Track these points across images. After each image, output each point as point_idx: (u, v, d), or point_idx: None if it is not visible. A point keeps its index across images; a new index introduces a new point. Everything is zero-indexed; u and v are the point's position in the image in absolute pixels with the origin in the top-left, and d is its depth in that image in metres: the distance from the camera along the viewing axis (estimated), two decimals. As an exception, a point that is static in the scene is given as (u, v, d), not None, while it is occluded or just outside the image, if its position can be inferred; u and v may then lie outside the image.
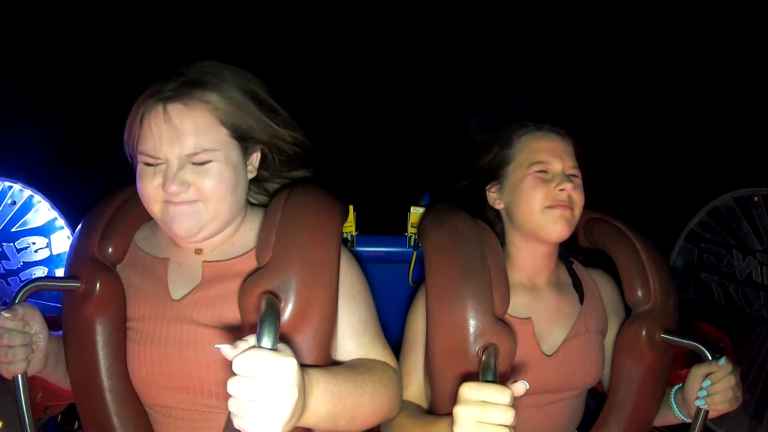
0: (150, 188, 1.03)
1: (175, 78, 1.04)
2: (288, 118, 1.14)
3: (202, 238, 1.07)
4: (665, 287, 1.27)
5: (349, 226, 1.74)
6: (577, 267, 1.38)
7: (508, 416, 0.83)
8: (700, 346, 1.16)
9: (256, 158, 1.12)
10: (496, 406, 0.83)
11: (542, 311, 1.27)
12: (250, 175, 1.12)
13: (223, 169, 1.03)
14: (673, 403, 1.25)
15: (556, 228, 1.20)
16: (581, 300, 1.31)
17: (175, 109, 1.01)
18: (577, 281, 1.34)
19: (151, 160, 1.02)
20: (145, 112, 1.02)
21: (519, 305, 1.23)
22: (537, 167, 1.23)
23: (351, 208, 1.70)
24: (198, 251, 1.11)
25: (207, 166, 1.02)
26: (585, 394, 1.32)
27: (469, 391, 0.86)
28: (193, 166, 1.02)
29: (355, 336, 1.09)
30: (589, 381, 1.28)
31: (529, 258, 1.28)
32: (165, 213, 1.03)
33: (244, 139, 1.07)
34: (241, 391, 0.71)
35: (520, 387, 0.86)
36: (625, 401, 1.25)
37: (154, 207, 1.04)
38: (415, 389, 1.21)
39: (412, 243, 1.74)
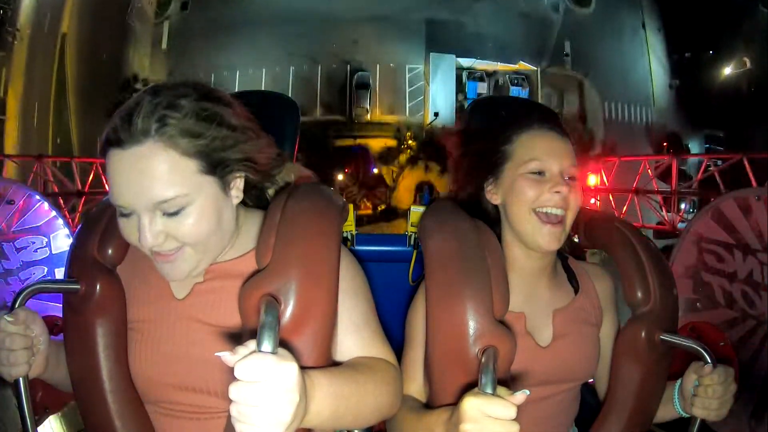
0: (132, 239, 0.99)
1: (127, 119, 0.93)
2: (257, 130, 1.06)
3: (198, 272, 1.06)
4: (665, 288, 1.27)
5: (349, 226, 1.74)
6: (572, 261, 1.38)
7: (512, 431, 0.85)
8: (698, 348, 1.16)
9: (240, 182, 1.05)
10: (502, 422, 0.85)
11: (537, 304, 1.28)
12: (236, 200, 1.06)
13: (202, 212, 0.97)
14: (676, 396, 1.25)
15: (543, 241, 1.20)
16: (576, 293, 1.32)
17: (135, 155, 0.92)
18: (571, 275, 1.34)
19: (121, 209, 0.97)
20: (108, 159, 0.95)
21: (513, 299, 1.22)
22: (533, 165, 1.22)
23: (351, 207, 1.70)
24: None
25: (182, 213, 0.96)
26: (579, 388, 1.33)
27: (472, 407, 0.87)
28: (166, 217, 0.96)
29: (356, 332, 1.09)
30: (584, 372, 1.29)
31: (525, 258, 1.28)
32: (155, 263, 1.01)
33: (218, 168, 0.99)
34: (243, 396, 0.72)
35: (520, 397, 0.88)
36: (624, 402, 1.26)
37: (145, 252, 1.01)
38: (416, 386, 1.22)
39: (412, 242, 1.74)
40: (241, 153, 1.01)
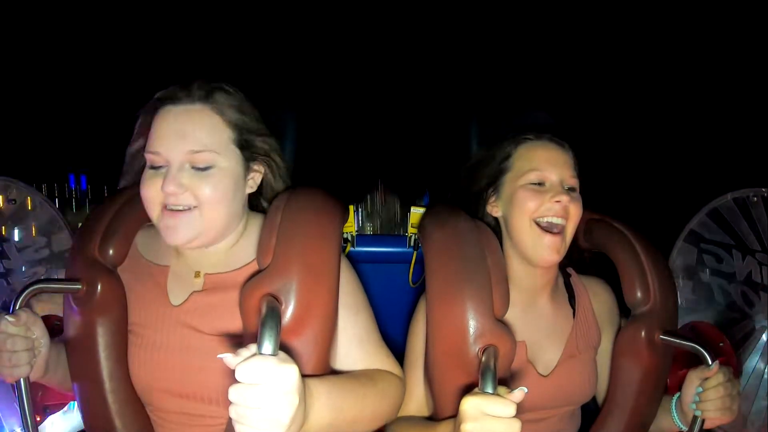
0: (150, 191, 1.04)
1: (185, 85, 1.09)
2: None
3: (196, 246, 1.08)
4: (664, 288, 1.27)
5: (349, 226, 1.74)
6: (574, 278, 1.37)
7: (514, 428, 0.85)
8: (698, 348, 1.16)
9: (258, 175, 1.14)
10: (502, 420, 0.85)
11: (537, 328, 1.27)
12: (249, 190, 1.14)
13: (223, 177, 1.05)
14: (674, 410, 1.24)
15: (545, 252, 1.20)
16: (574, 315, 1.31)
17: (186, 111, 1.05)
18: (571, 295, 1.34)
19: (155, 159, 1.04)
20: (156, 114, 1.06)
21: (513, 323, 1.21)
22: (533, 176, 1.22)
23: (351, 208, 1.70)
24: (197, 274, 1.12)
25: (208, 171, 1.04)
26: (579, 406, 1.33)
27: (472, 406, 0.87)
28: (193, 171, 1.04)
29: (360, 344, 1.10)
30: (584, 396, 1.29)
31: (525, 275, 1.27)
32: (161, 220, 1.05)
33: (246, 148, 1.10)
34: (243, 398, 0.73)
35: (518, 395, 0.88)
36: (624, 402, 1.25)
37: (154, 212, 1.05)
38: (416, 404, 1.21)
39: (412, 243, 1.74)
40: (266, 145, 1.14)
